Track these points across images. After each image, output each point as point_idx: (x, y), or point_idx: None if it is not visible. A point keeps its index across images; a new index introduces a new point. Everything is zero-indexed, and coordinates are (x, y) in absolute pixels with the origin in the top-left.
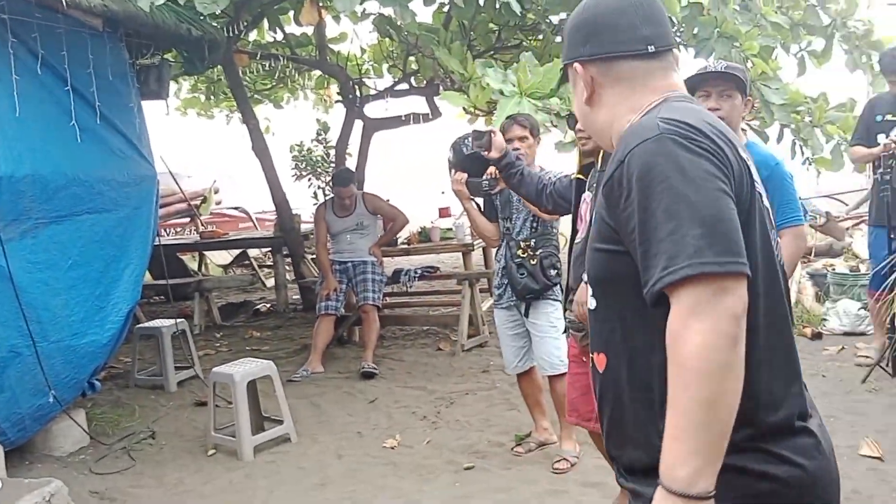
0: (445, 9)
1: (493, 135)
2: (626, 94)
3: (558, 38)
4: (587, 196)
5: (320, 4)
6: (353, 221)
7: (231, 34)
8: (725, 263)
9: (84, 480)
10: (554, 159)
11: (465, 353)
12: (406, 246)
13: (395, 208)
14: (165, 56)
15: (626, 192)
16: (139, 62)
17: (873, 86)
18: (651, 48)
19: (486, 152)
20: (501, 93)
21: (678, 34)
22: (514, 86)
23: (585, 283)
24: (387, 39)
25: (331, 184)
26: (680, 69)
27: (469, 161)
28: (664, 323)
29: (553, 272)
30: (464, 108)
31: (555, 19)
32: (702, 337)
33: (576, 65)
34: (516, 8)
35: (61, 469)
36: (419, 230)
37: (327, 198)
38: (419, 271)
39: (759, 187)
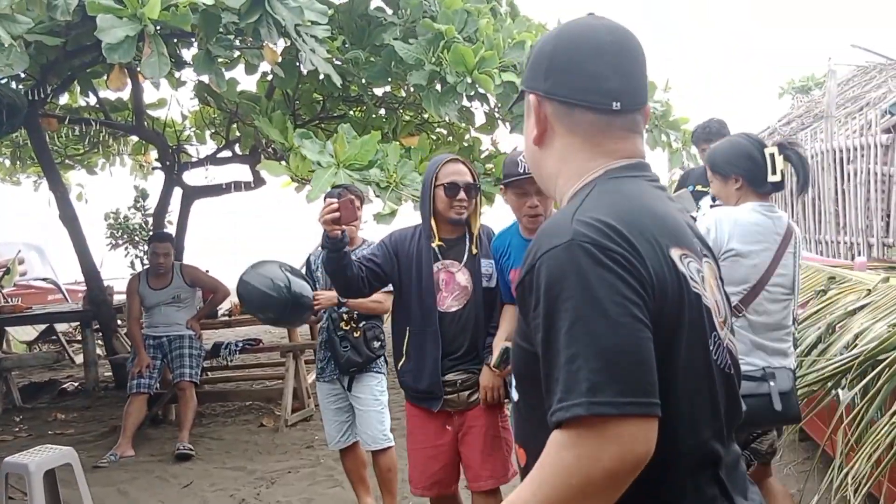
0: (268, 78)
1: (350, 203)
2: (577, 149)
3: (382, 111)
4: (445, 264)
5: (138, 70)
6: (170, 294)
7: (37, 97)
8: (624, 405)
9: None
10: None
11: (289, 429)
12: (227, 318)
13: (215, 280)
14: None
15: (534, 302)
16: None
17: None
18: (616, 105)
19: (339, 223)
20: (319, 164)
21: (495, 110)
22: (331, 156)
23: (488, 365)
24: (208, 106)
25: (147, 242)
26: (644, 131)
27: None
28: None
29: (376, 344)
30: (290, 177)
31: (378, 92)
32: (570, 478)
33: (531, 96)
34: (337, 80)
35: None
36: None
37: (142, 269)
38: (240, 344)
39: (700, 287)
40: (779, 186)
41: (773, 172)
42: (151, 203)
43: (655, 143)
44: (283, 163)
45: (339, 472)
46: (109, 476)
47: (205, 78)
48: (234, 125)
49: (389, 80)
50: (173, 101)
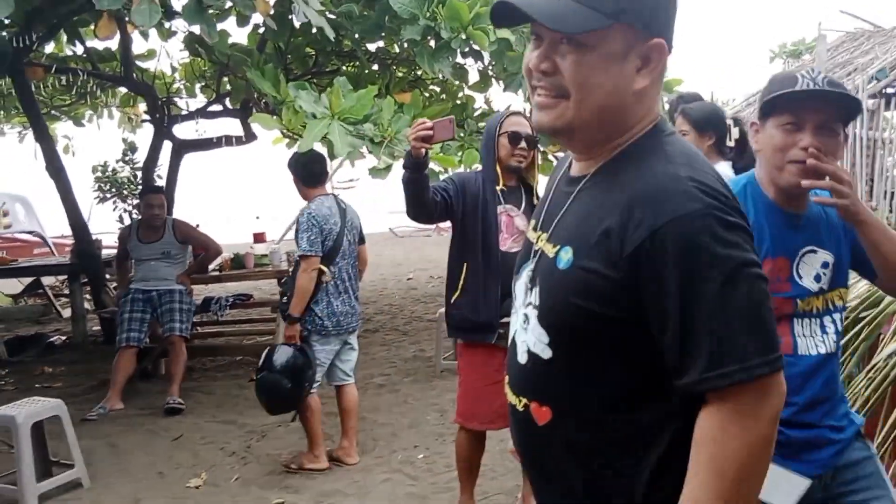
0: (260, 31)
1: (449, 122)
2: (655, 94)
3: (375, 66)
4: (506, 208)
5: (126, 19)
6: (160, 249)
7: (22, 45)
8: (773, 362)
9: None
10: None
11: None
12: (218, 273)
13: (206, 237)
14: None
15: (657, 268)
16: None
17: None
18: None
19: (432, 138)
20: (314, 115)
21: (489, 67)
22: (326, 108)
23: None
24: (199, 59)
25: (139, 195)
26: None
27: None
28: (661, 404)
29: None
30: (281, 132)
31: (371, 47)
32: (746, 446)
33: (656, 40)
34: (330, 34)
35: None
36: (232, 256)
37: (132, 221)
38: (231, 299)
39: None
40: (731, 151)
41: (730, 139)
42: (140, 156)
43: None
44: (275, 116)
45: (329, 427)
46: (98, 429)
47: (196, 29)
48: (225, 78)
49: (383, 34)
50: (163, 52)
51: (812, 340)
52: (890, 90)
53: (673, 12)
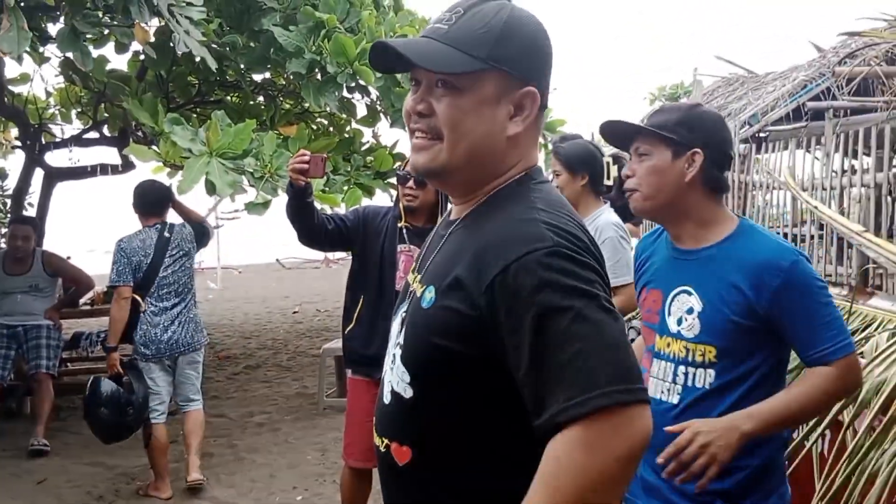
0: (141, 58)
1: (321, 161)
2: (531, 143)
3: (260, 97)
4: (408, 248)
5: None
6: (27, 282)
7: None
8: (635, 391)
9: None
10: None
11: None
12: (90, 307)
13: (78, 269)
14: None
15: (509, 304)
16: None
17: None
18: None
19: (307, 175)
20: (191, 151)
21: (377, 103)
22: (203, 144)
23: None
24: (74, 85)
25: (6, 225)
26: None
27: None
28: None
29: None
30: (163, 163)
31: (257, 78)
32: (588, 478)
33: (530, 88)
34: (212, 64)
35: None
36: (105, 290)
37: None
38: (102, 335)
39: None
40: (609, 190)
41: (608, 178)
42: (10, 184)
43: None
44: (154, 147)
45: (207, 467)
46: None
47: (70, 55)
48: (102, 105)
49: (268, 66)
50: (37, 76)
51: (662, 384)
52: (762, 134)
53: (548, 61)
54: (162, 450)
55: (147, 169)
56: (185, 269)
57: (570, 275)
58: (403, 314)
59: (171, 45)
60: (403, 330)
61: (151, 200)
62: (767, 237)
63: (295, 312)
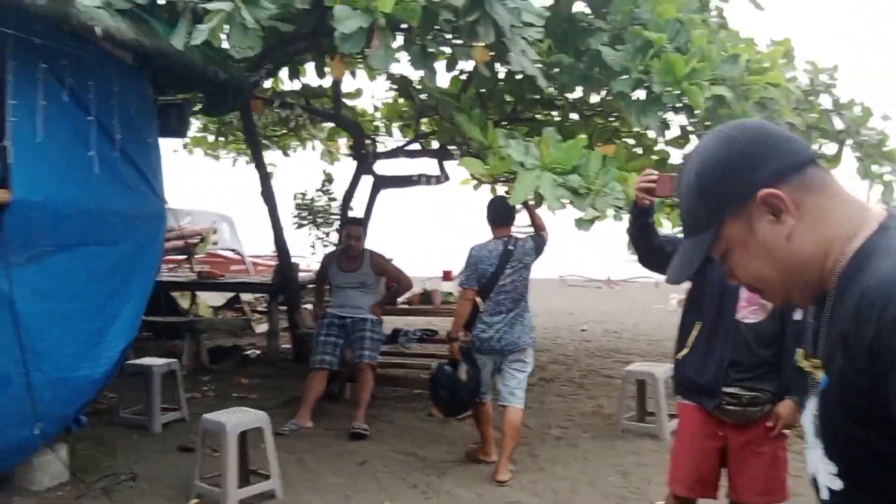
0: (462, 77)
1: (670, 179)
2: (822, 216)
3: (574, 115)
4: None
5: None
6: (357, 279)
7: (252, 80)
8: None
9: None
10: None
11: (457, 423)
12: (407, 306)
13: (400, 271)
14: (188, 96)
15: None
16: (161, 99)
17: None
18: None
19: (652, 194)
20: (522, 165)
21: (702, 124)
22: (535, 159)
23: (795, 402)
24: (400, 99)
25: (341, 225)
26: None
27: None
28: None
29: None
30: (471, 175)
31: (569, 95)
32: None
33: (763, 192)
34: (542, 84)
35: None
36: (421, 292)
37: (335, 249)
38: (418, 333)
39: None
40: None
41: None
42: (335, 187)
43: (866, 174)
44: (481, 160)
45: (510, 472)
46: (289, 444)
47: (415, 72)
48: (424, 119)
49: (585, 85)
50: (368, 92)
51: None
52: None
53: (757, 158)
54: (487, 419)
55: (458, 181)
56: (523, 280)
57: None
58: (813, 402)
59: (502, 63)
60: (816, 417)
61: (502, 214)
62: None
63: (583, 331)
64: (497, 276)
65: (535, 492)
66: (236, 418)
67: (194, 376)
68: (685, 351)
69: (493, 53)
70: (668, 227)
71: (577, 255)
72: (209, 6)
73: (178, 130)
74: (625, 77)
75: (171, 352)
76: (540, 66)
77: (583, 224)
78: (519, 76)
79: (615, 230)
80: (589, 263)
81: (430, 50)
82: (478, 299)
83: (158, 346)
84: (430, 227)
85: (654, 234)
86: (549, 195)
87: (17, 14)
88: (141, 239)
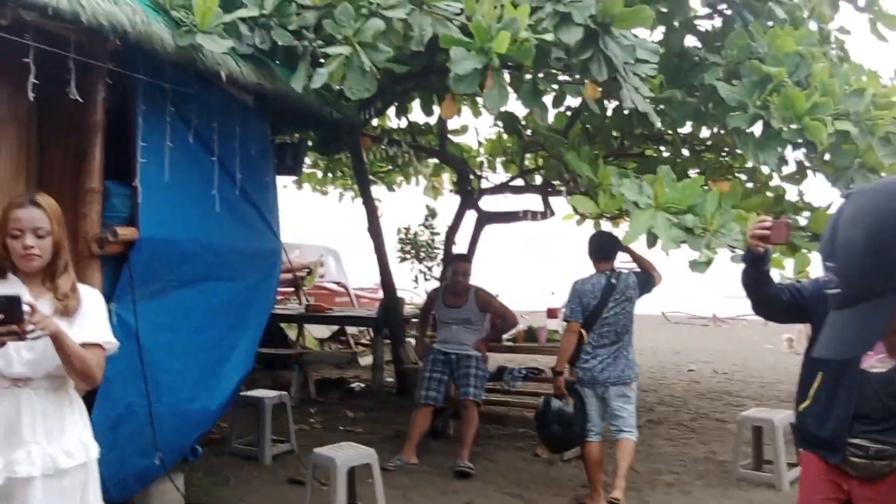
0: (567, 112)
1: (785, 226)
2: None
3: (684, 151)
4: None
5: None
6: (462, 315)
7: (363, 118)
8: None
9: None
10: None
11: (563, 464)
12: (511, 344)
13: (505, 307)
14: (301, 135)
15: None
16: (278, 138)
17: None
18: None
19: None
20: (636, 204)
21: (821, 160)
22: (649, 198)
23: None
24: (503, 136)
25: (448, 261)
26: None
27: None
28: None
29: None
30: (575, 210)
31: (682, 131)
32: None
33: None
34: (656, 121)
35: None
36: (526, 329)
37: (441, 285)
38: (523, 371)
39: None
40: None
41: None
42: (438, 222)
43: None
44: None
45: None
46: (395, 480)
47: (512, 107)
48: (528, 155)
49: (698, 121)
50: (472, 128)
51: None
52: None
53: None
54: (596, 463)
55: (560, 217)
56: (626, 313)
57: None
58: None
59: (608, 99)
60: None
61: (604, 249)
62: None
63: (690, 371)
64: (600, 308)
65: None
66: (346, 454)
67: (301, 407)
68: (807, 403)
69: (601, 89)
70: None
71: (679, 290)
72: (329, 50)
73: (293, 169)
74: (741, 112)
75: (279, 382)
76: (650, 101)
77: (697, 266)
78: (626, 111)
79: (720, 265)
80: (691, 299)
81: (539, 87)
82: (582, 331)
83: (267, 376)
84: (529, 263)
85: (769, 281)
86: (663, 236)
87: (147, 59)
88: (258, 275)
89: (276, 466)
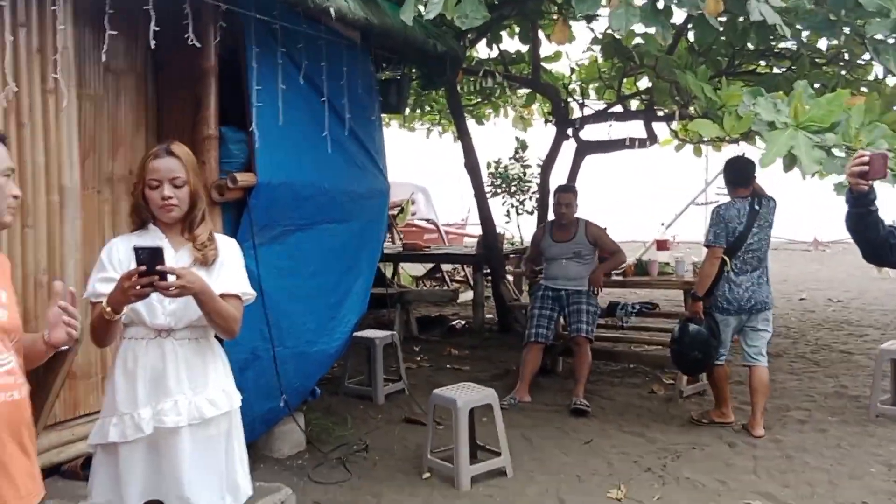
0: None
1: (882, 158)
2: None
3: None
4: None
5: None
6: (571, 249)
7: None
8: None
9: (304, 488)
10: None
11: (683, 401)
12: (622, 278)
13: (615, 243)
14: (404, 71)
15: None
16: (381, 76)
17: None
18: None
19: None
20: (772, 124)
21: None
22: (787, 117)
23: None
24: (597, 61)
25: (554, 192)
26: None
27: None
28: None
29: None
30: (674, 134)
31: (787, 44)
32: None
33: None
34: (785, 31)
35: (282, 472)
36: (635, 262)
37: (547, 221)
38: (637, 307)
39: None
40: None
41: None
42: (529, 154)
43: None
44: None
45: (749, 458)
46: (511, 419)
47: (651, 30)
48: (626, 80)
49: (827, 31)
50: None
51: None
52: None
53: None
54: (724, 379)
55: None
56: (767, 238)
57: None
58: None
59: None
60: None
61: (743, 174)
62: None
63: (802, 300)
64: (745, 234)
65: (786, 482)
66: (466, 395)
67: (406, 346)
68: None
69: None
70: None
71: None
72: None
73: (397, 106)
74: (882, 18)
75: (381, 321)
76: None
77: (843, 189)
78: (742, 27)
79: (817, 185)
80: (790, 224)
81: (658, 5)
82: (725, 258)
83: (368, 315)
84: (626, 193)
85: (877, 223)
86: (804, 157)
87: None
88: (369, 216)
89: (390, 406)
